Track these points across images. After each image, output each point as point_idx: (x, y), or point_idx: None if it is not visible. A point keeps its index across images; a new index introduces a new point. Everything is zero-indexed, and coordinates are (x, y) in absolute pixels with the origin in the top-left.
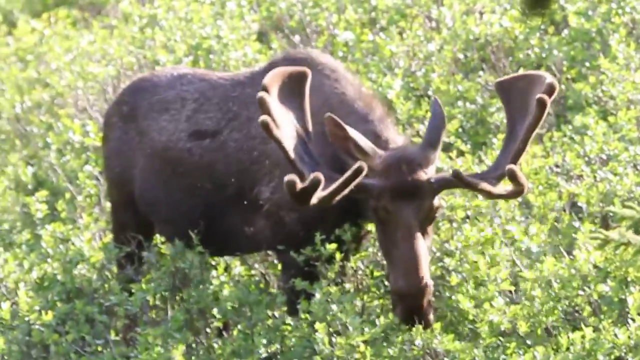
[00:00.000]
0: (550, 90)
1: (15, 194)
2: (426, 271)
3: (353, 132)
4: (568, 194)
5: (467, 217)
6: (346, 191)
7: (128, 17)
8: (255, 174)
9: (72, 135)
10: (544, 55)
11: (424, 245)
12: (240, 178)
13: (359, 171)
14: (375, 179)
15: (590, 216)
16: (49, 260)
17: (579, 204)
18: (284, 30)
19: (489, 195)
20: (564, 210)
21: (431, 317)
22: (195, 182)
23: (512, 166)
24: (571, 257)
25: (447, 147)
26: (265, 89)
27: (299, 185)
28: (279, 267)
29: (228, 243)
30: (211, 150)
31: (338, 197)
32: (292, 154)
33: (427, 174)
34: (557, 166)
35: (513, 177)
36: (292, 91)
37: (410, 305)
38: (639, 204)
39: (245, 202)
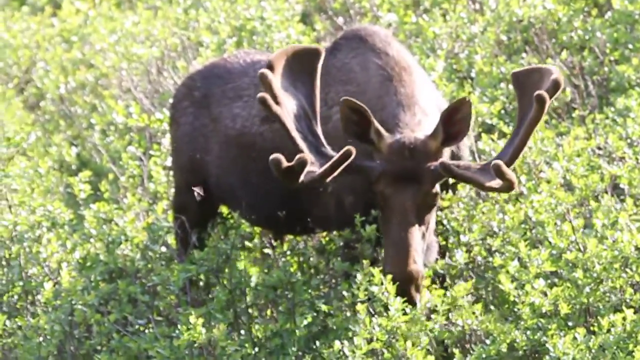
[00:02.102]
0: (553, 86)
1: (59, 174)
2: (416, 258)
3: (369, 115)
4: (610, 175)
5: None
6: (337, 172)
7: None
8: None
9: (116, 116)
10: (587, 37)
11: (417, 232)
12: None
13: (347, 154)
14: (377, 162)
15: (632, 198)
16: (91, 240)
17: (621, 185)
18: (328, 12)
19: (480, 187)
20: (606, 192)
21: (418, 301)
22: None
23: (497, 162)
24: (613, 239)
25: (490, 129)
26: (270, 66)
27: (284, 164)
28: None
29: (300, 224)
30: (281, 133)
31: (329, 178)
32: (293, 132)
33: (430, 160)
34: (599, 148)
35: (499, 172)
36: (302, 69)
37: (399, 290)
38: None
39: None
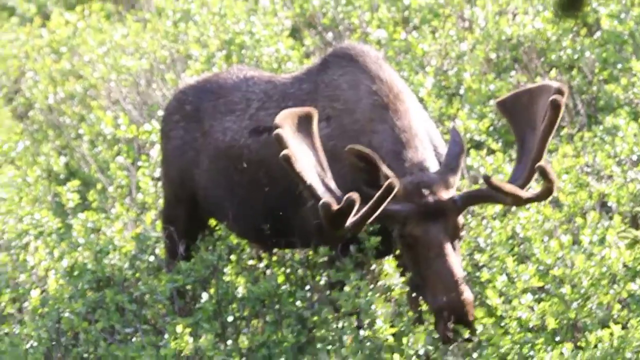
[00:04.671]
0: (560, 93)
1: (47, 183)
2: (464, 284)
3: (377, 160)
4: (598, 193)
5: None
6: (374, 217)
7: (161, 11)
8: None
9: (104, 127)
10: (576, 56)
11: (457, 260)
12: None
13: (390, 188)
14: (399, 205)
15: (620, 215)
16: (79, 249)
17: (609, 203)
18: (317, 27)
19: (517, 199)
20: (594, 209)
21: (476, 327)
22: (255, 177)
23: (542, 163)
24: (601, 255)
25: (479, 145)
26: (278, 127)
27: (335, 207)
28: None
29: (284, 238)
30: (266, 145)
31: (370, 220)
32: (315, 185)
33: (448, 194)
34: (587, 166)
35: (544, 173)
36: (302, 130)
37: (456, 320)
38: None
39: (295, 199)
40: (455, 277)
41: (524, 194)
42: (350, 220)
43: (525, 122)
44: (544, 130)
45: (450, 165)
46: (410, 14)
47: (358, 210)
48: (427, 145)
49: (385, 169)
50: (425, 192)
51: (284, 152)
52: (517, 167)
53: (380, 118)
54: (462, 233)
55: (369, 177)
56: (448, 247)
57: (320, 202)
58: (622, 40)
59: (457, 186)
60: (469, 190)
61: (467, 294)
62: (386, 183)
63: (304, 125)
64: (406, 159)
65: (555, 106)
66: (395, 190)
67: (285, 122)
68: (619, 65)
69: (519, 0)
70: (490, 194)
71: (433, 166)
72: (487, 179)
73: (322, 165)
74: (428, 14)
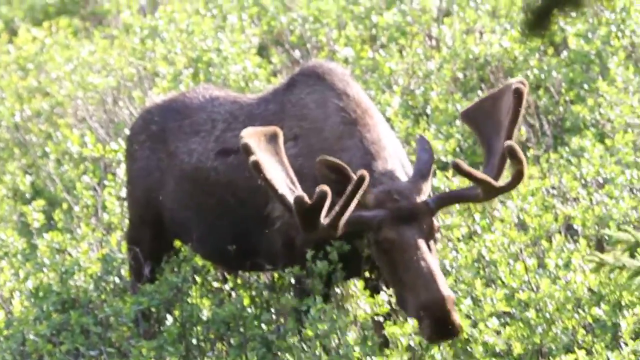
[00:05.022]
0: (522, 84)
1: (12, 202)
2: (445, 281)
3: (347, 170)
4: (564, 216)
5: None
6: (347, 222)
7: (129, 28)
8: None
9: (71, 146)
10: (542, 76)
11: (435, 260)
12: (256, 194)
13: (362, 179)
14: (372, 212)
15: (585, 239)
16: (45, 270)
17: (575, 226)
18: (284, 45)
19: (488, 188)
20: (560, 232)
21: (460, 324)
22: (221, 199)
23: (510, 142)
24: (566, 279)
25: (445, 166)
26: (245, 142)
27: (307, 201)
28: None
29: (250, 260)
30: (233, 167)
31: (344, 218)
32: (282, 191)
33: (420, 199)
34: (553, 188)
35: (512, 153)
36: (269, 148)
37: (439, 316)
38: (634, 227)
39: (263, 220)
40: (435, 276)
41: (496, 182)
42: (325, 217)
43: (490, 127)
44: (510, 121)
45: (421, 172)
46: (377, 32)
47: (331, 209)
48: (395, 158)
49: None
50: (397, 197)
51: (252, 158)
52: (485, 167)
53: (348, 134)
54: (437, 235)
55: (341, 188)
56: (424, 247)
57: (294, 196)
58: (589, 60)
59: (428, 192)
60: (441, 192)
61: (448, 292)
62: (358, 174)
63: (270, 143)
64: (376, 170)
65: (518, 94)
66: (367, 181)
67: (251, 137)
68: (586, 86)
69: (486, 18)
70: (461, 194)
71: (402, 177)
72: (456, 165)
73: (291, 179)
74: (395, 32)
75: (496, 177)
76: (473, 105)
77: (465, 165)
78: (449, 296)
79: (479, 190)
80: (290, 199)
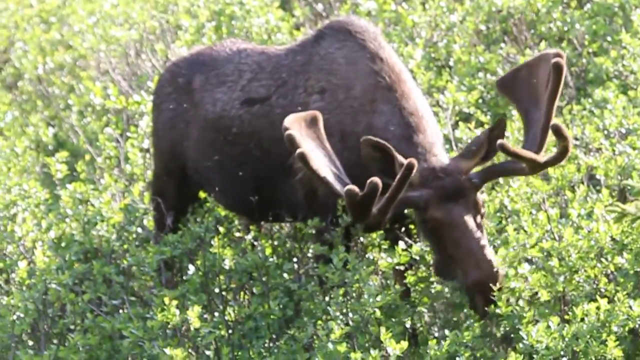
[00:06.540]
0: (561, 57)
1: (35, 154)
2: (494, 257)
3: (392, 150)
4: (586, 166)
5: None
6: (396, 203)
7: None
8: None
9: (93, 98)
10: (565, 28)
11: (484, 237)
12: (280, 144)
13: (410, 166)
14: (418, 191)
15: (608, 189)
16: (67, 220)
17: (597, 176)
18: None
19: (534, 164)
20: (582, 183)
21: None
22: (245, 149)
23: (555, 122)
24: (589, 229)
25: (467, 118)
26: (288, 129)
27: (359, 193)
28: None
29: (272, 211)
30: (259, 116)
31: (393, 205)
32: (331, 181)
33: (464, 176)
34: (576, 139)
35: (558, 132)
36: (310, 134)
37: (488, 293)
38: None
39: (285, 171)
40: (485, 253)
41: (542, 158)
42: (375, 206)
43: (526, 95)
44: (549, 95)
45: (469, 149)
46: None
47: (381, 197)
48: (433, 128)
49: (400, 158)
50: (442, 175)
51: (299, 150)
52: (526, 139)
53: (382, 99)
54: (483, 210)
55: (385, 166)
56: (472, 224)
57: (345, 189)
58: (612, 12)
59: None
60: (485, 167)
61: (499, 268)
62: (406, 162)
63: (311, 128)
64: (418, 144)
65: (558, 68)
66: (415, 168)
67: (294, 125)
68: (609, 38)
69: None
70: (506, 167)
71: (441, 150)
72: (502, 146)
73: (334, 163)
74: None
75: (538, 150)
76: (508, 74)
77: (510, 146)
78: (500, 272)
79: (524, 165)
80: (338, 187)
